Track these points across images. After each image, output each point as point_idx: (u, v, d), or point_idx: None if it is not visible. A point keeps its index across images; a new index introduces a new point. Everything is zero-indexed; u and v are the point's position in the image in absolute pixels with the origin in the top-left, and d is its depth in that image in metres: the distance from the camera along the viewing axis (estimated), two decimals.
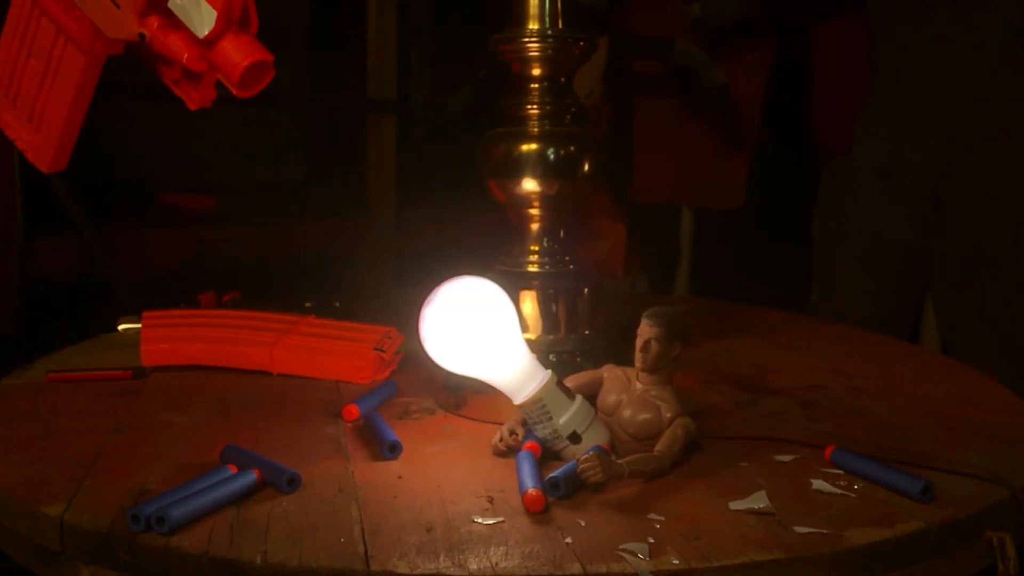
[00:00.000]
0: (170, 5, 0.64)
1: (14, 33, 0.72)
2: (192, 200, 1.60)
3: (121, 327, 0.98)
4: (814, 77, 1.72)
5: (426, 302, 0.65)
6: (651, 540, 0.53)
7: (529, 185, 0.78)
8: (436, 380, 0.79)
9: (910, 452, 0.65)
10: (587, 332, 0.81)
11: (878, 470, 0.62)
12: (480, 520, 0.55)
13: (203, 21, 0.64)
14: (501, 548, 0.52)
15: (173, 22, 0.65)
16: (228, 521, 0.55)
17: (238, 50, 0.65)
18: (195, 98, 0.70)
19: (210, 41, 0.65)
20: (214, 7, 0.64)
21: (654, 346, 0.65)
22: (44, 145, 0.73)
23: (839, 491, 0.60)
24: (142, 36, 0.66)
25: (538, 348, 0.78)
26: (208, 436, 0.69)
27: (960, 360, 0.98)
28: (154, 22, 0.65)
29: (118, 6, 0.65)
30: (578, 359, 0.78)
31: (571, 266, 0.81)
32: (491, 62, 0.82)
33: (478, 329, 0.64)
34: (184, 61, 0.66)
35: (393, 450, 0.66)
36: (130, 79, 1.11)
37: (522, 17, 0.78)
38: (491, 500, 0.58)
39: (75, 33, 0.69)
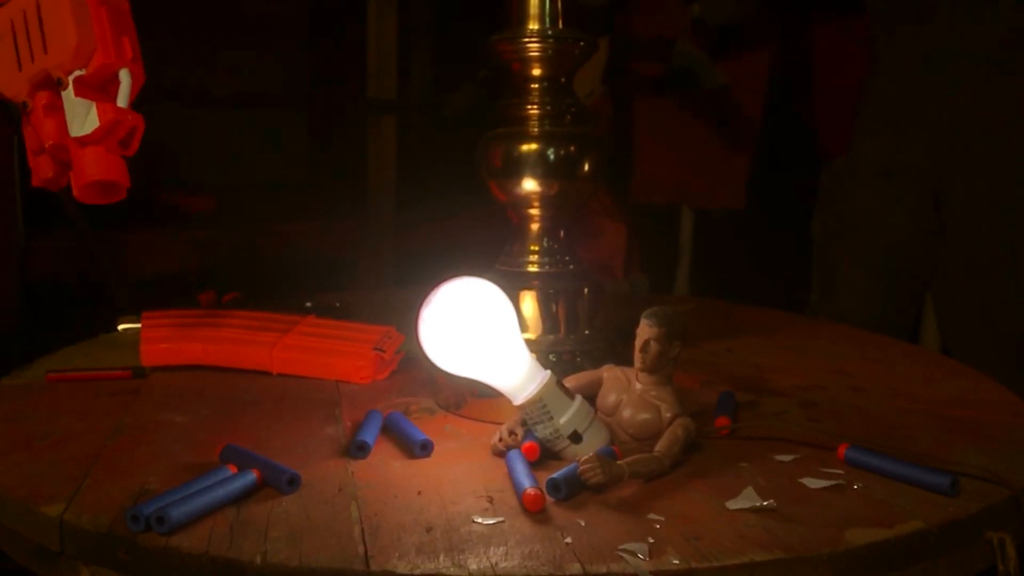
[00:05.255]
0: (63, 94, 0.64)
1: None
2: (192, 200, 1.60)
3: (121, 327, 0.98)
4: (814, 77, 1.72)
5: (424, 304, 0.65)
6: (651, 540, 0.53)
7: (529, 185, 0.78)
8: (436, 380, 0.79)
9: (911, 452, 0.65)
10: (587, 332, 0.80)
11: (902, 467, 0.62)
12: (480, 520, 0.55)
13: (82, 125, 0.64)
14: (501, 548, 0.52)
15: (59, 106, 0.65)
16: (228, 521, 0.55)
17: (96, 163, 0.64)
18: (42, 178, 0.69)
19: (80, 142, 0.64)
20: (100, 120, 0.63)
21: (654, 346, 0.65)
22: None
23: (839, 491, 0.60)
24: (24, 105, 0.66)
25: (538, 348, 0.78)
26: (208, 436, 0.69)
27: (960, 360, 0.98)
28: (43, 98, 0.65)
29: (20, 68, 0.65)
30: (578, 359, 0.78)
31: (571, 266, 0.81)
32: (491, 62, 0.82)
33: (477, 331, 0.64)
34: (47, 147, 0.65)
35: (425, 448, 0.66)
36: None
37: (522, 17, 0.78)
38: (491, 500, 0.58)
39: None
